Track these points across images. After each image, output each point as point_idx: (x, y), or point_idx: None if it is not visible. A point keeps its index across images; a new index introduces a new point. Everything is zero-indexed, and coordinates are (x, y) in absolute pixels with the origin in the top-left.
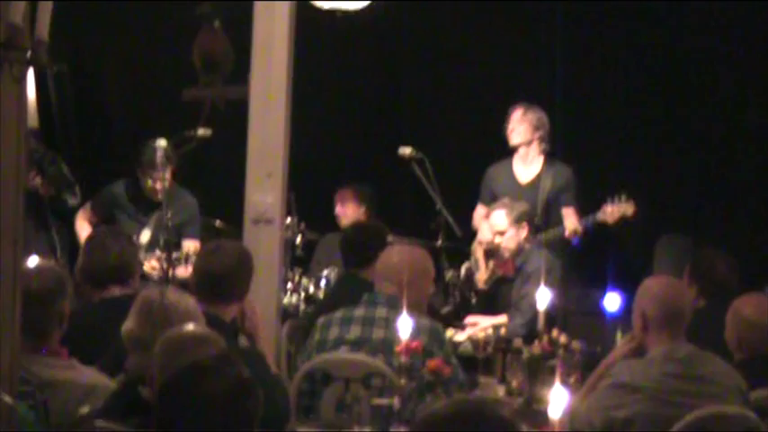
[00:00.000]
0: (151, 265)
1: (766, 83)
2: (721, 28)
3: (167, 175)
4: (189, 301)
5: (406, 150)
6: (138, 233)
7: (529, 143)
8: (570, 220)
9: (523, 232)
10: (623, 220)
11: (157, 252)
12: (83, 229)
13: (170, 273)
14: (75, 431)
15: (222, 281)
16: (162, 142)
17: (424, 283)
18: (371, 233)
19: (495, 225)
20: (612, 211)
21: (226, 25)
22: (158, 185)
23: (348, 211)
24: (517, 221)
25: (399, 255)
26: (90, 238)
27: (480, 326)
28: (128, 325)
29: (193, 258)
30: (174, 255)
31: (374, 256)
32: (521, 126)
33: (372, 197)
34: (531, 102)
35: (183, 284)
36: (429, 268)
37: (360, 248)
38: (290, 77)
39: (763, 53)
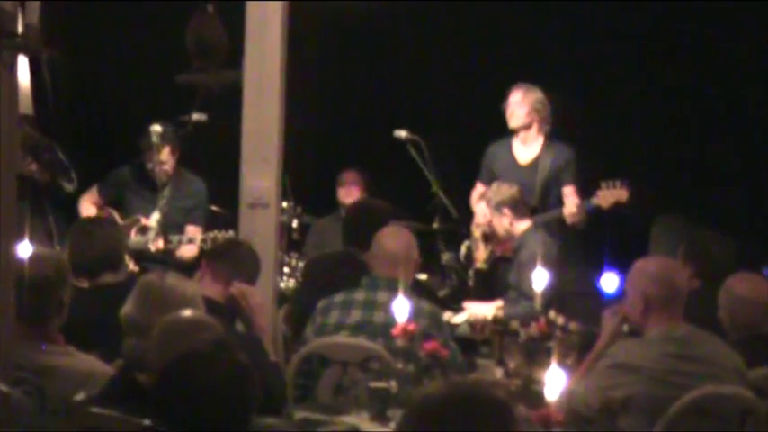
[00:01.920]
0: (157, 246)
1: (765, 61)
2: (716, 6)
3: (166, 156)
4: (190, 286)
5: (401, 133)
6: (148, 215)
7: (528, 126)
8: (570, 200)
9: (506, 219)
10: (617, 205)
11: (161, 234)
12: (87, 211)
13: (171, 256)
14: (70, 418)
15: (240, 271)
16: (156, 127)
17: (415, 265)
18: (376, 213)
19: (481, 216)
20: (605, 196)
21: (219, 9)
22: (158, 168)
23: (353, 194)
24: (496, 209)
25: (396, 237)
26: (74, 229)
27: (472, 310)
28: (126, 308)
29: (195, 240)
30: (177, 238)
31: (369, 237)
32: (520, 110)
33: (371, 180)
34: (528, 82)
35: (184, 266)
36: (417, 250)
37: (363, 228)
38: (285, 61)
39: (762, 31)
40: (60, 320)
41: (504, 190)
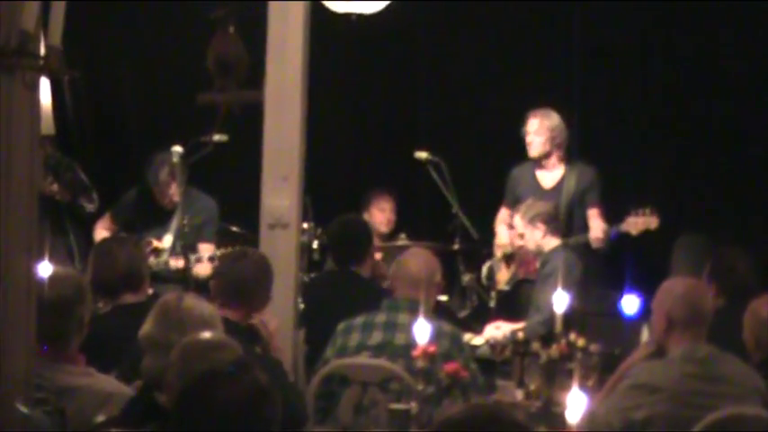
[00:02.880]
0: (177, 264)
1: None
2: (739, 26)
3: (173, 189)
4: (207, 307)
5: (422, 154)
6: (159, 236)
7: (548, 154)
8: (595, 223)
9: (539, 232)
10: (646, 232)
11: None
12: (102, 237)
13: (189, 276)
14: None
15: (245, 289)
16: (176, 150)
17: (438, 288)
18: (360, 228)
19: (504, 238)
20: (637, 223)
21: (240, 29)
22: (165, 200)
23: (388, 216)
24: (531, 221)
25: (417, 259)
26: (96, 248)
27: (502, 329)
28: (145, 329)
29: (210, 257)
30: (193, 257)
31: (367, 252)
32: (538, 138)
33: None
34: (547, 104)
35: (201, 285)
36: (440, 272)
37: (355, 244)
38: (306, 81)
39: None
40: (80, 339)
41: (540, 205)
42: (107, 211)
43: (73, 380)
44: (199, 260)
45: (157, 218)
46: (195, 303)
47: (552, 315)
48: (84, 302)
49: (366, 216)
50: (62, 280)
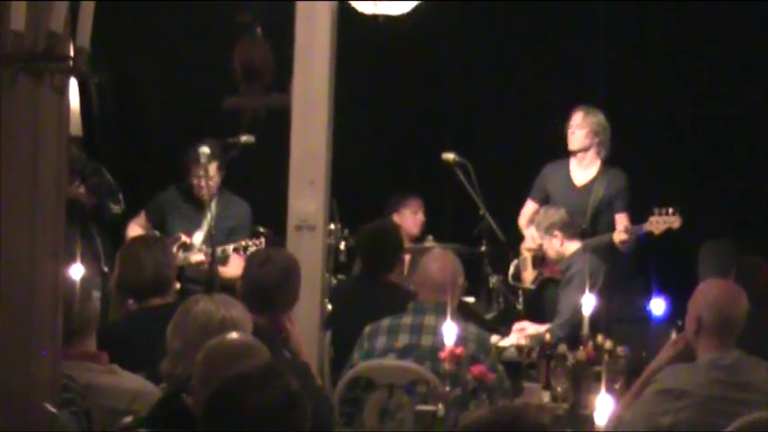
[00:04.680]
0: (198, 259)
1: None
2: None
3: (213, 171)
4: (235, 309)
5: (449, 156)
6: (191, 233)
7: (587, 149)
8: (622, 227)
9: (556, 240)
10: (668, 231)
11: (204, 248)
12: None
13: (215, 275)
14: None
15: (271, 292)
16: (205, 149)
17: (461, 290)
18: (392, 236)
19: (530, 240)
20: (659, 223)
21: (267, 33)
22: (203, 182)
23: (420, 219)
24: (547, 231)
25: (440, 262)
26: (123, 251)
27: (527, 331)
28: (170, 330)
29: (234, 248)
30: (221, 249)
31: (397, 259)
32: (580, 131)
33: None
34: (573, 106)
35: (227, 287)
36: (462, 274)
37: (386, 252)
38: (333, 84)
39: None
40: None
41: (553, 213)
42: (142, 209)
43: (97, 378)
44: (224, 260)
45: (190, 217)
46: (222, 305)
47: (572, 319)
48: (92, 297)
49: (396, 218)
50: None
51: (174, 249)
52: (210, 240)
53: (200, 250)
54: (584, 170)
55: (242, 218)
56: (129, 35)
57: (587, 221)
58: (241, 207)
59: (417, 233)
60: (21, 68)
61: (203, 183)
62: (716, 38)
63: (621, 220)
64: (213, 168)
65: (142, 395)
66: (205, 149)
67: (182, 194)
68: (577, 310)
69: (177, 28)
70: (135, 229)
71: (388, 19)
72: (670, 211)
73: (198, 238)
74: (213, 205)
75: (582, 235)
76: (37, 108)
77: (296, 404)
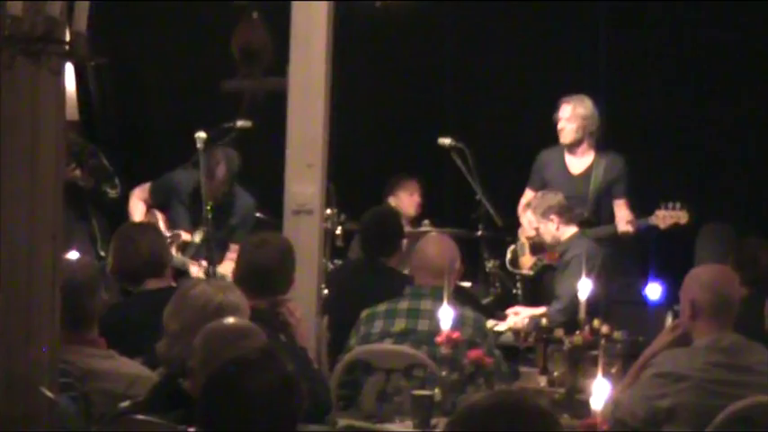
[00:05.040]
0: (199, 265)
1: None
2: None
3: (225, 188)
4: (232, 293)
5: (446, 140)
6: (192, 230)
7: (579, 141)
8: (622, 214)
9: (552, 224)
10: (675, 226)
11: (201, 263)
12: (136, 207)
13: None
14: (115, 425)
15: (268, 275)
16: (200, 136)
17: (458, 274)
18: (393, 221)
19: (527, 225)
20: (665, 217)
21: (264, 16)
22: (212, 197)
23: (417, 200)
24: (543, 215)
25: (437, 246)
26: (118, 235)
27: (521, 315)
28: (166, 313)
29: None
30: (217, 255)
31: (398, 245)
32: (570, 125)
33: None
34: (573, 94)
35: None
36: (459, 258)
37: (387, 237)
38: (330, 67)
39: None
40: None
41: (550, 197)
42: (149, 182)
43: (96, 363)
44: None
45: (194, 207)
46: (220, 289)
47: (571, 303)
48: (101, 286)
49: (393, 200)
50: (83, 264)
51: (174, 249)
52: (208, 245)
53: (197, 263)
54: (579, 159)
55: (244, 213)
56: (128, 19)
57: (589, 210)
58: (245, 200)
59: (414, 215)
60: (19, 51)
61: (212, 197)
62: (720, 26)
63: (621, 206)
64: (226, 185)
65: (141, 379)
66: (201, 135)
67: (190, 181)
68: (575, 295)
69: (175, 11)
70: (136, 202)
71: (386, 3)
72: (677, 205)
73: (198, 236)
74: (215, 209)
75: (586, 224)
76: (35, 91)
77: (292, 388)
